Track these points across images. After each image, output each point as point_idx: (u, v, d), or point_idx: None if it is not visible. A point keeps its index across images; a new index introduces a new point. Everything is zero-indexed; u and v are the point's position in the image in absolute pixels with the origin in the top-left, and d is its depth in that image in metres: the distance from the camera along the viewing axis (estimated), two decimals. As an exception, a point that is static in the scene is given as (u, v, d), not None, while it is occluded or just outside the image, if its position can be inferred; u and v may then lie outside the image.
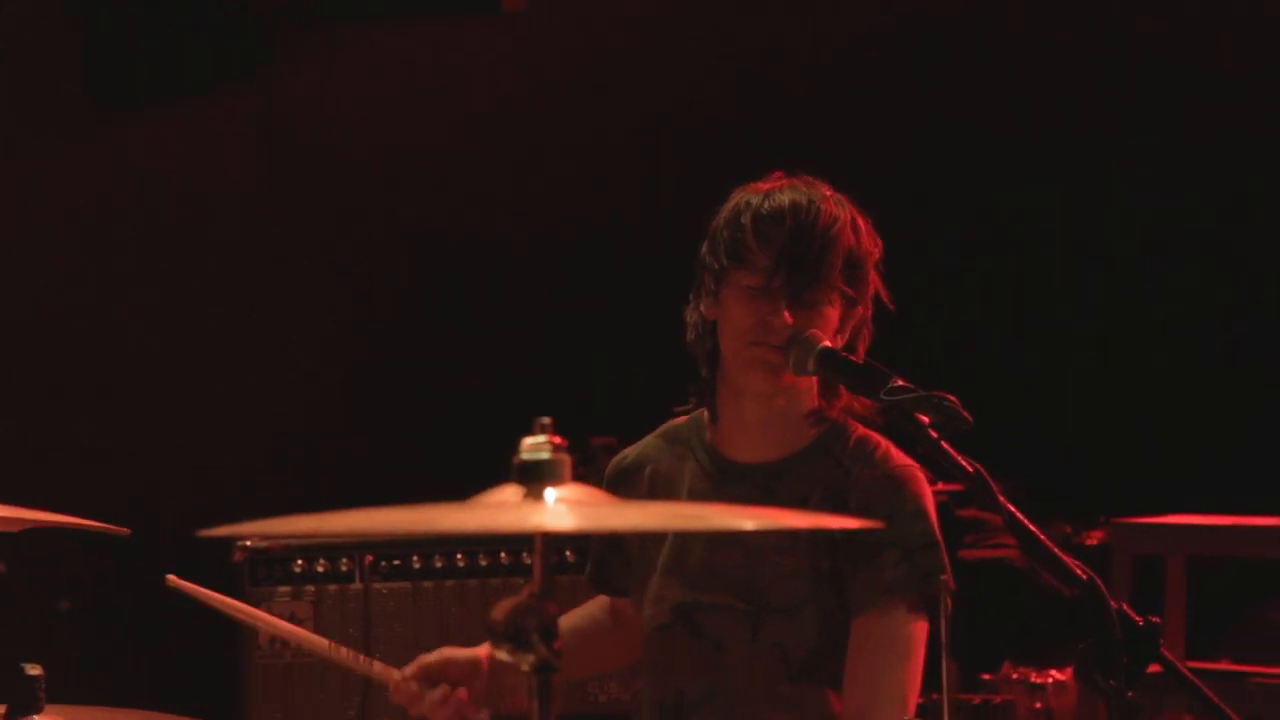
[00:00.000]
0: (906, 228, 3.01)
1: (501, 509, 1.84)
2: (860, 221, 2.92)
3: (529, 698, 1.80)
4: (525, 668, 1.80)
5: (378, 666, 2.87)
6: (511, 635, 1.79)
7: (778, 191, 2.89)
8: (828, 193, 2.91)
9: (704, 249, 2.94)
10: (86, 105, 5.77)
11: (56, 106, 5.74)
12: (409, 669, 2.89)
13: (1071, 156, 6.31)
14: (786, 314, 2.82)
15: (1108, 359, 6.35)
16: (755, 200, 2.89)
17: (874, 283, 2.94)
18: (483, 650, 2.90)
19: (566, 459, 1.86)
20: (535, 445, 1.85)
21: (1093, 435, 6.25)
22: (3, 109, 5.63)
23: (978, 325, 5.96)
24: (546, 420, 1.86)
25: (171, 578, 2.87)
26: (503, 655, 1.80)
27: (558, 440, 1.85)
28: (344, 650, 2.87)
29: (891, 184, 3.02)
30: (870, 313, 2.95)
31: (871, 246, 2.92)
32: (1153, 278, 6.35)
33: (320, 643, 2.91)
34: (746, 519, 1.83)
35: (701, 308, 2.94)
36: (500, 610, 1.80)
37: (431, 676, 2.88)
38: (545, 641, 1.78)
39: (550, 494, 1.84)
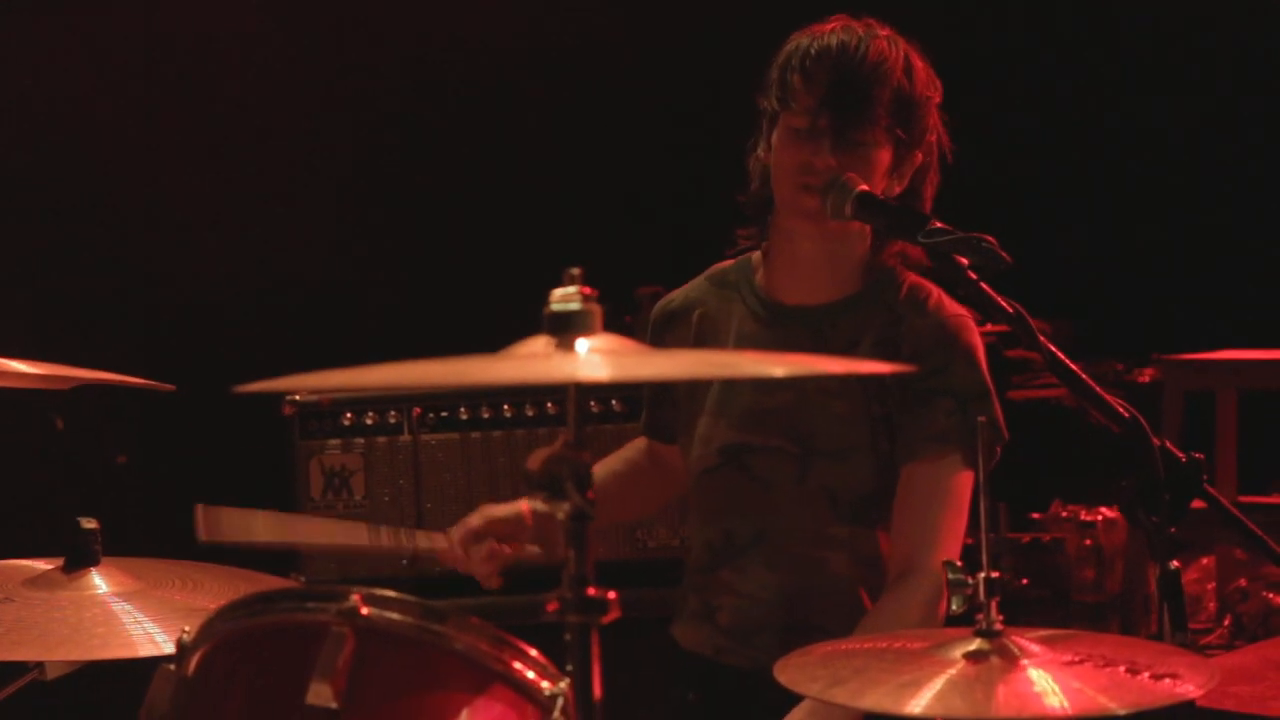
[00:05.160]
0: (951, 66, 2.96)
1: (533, 360, 1.84)
2: (916, 63, 2.87)
3: (565, 545, 1.81)
4: (560, 516, 1.81)
5: (421, 537, 2.88)
6: (546, 484, 1.80)
7: (829, 33, 2.86)
8: (882, 33, 2.87)
9: (760, 95, 2.92)
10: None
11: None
12: (453, 534, 2.90)
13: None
14: (829, 155, 2.80)
15: (1159, 197, 6.29)
16: (805, 42, 2.87)
17: (935, 128, 2.90)
18: (523, 503, 2.91)
19: (597, 309, 1.85)
20: (565, 296, 1.85)
21: (1144, 272, 6.21)
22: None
23: (1036, 162, 5.90)
24: (576, 270, 1.85)
25: (201, 538, 2.76)
26: (538, 504, 1.81)
27: (588, 291, 1.85)
28: (384, 531, 2.87)
29: (934, 19, 2.96)
30: (934, 159, 2.91)
31: (928, 89, 2.88)
32: (1207, 113, 6.27)
33: (359, 533, 2.90)
34: (778, 366, 1.82)
35: (760, 153, 2.93)
36: (535, 460, 1.81)
37: (477, 538, 2.89)
38: (580, 490, 1.79)
39: (582, 344, 1.84)
